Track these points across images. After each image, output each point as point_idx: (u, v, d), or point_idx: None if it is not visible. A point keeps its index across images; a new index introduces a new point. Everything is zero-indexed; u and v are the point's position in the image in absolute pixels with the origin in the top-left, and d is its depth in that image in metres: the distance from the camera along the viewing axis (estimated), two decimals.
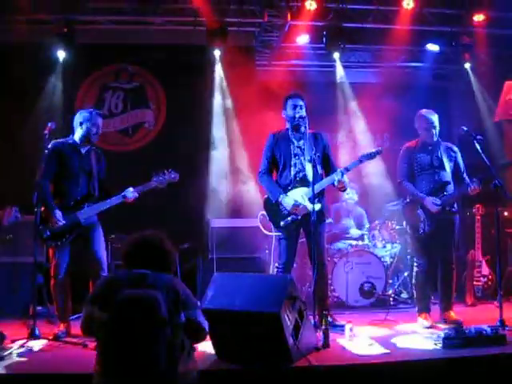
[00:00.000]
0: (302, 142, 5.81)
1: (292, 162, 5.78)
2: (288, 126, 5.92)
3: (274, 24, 8.52)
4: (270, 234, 6.72)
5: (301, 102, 5.80)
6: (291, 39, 8.71)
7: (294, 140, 5.84)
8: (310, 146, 5.66)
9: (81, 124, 5.74)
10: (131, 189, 5.76)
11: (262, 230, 7.11)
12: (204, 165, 8.43)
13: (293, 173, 5.77)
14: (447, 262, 6.04)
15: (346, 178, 5.66)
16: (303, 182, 5.72)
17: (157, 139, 8.81)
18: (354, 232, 8.02)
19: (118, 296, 3.35)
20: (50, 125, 5.58)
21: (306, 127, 5.65)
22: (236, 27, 8.37)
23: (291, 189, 5.74)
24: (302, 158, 5.78)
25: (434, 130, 6.02)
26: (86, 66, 8.62)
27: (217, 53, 8.54)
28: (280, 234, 5.82)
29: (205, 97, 8.67)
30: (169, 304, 3.38)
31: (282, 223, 5.71)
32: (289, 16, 8.08)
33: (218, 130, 8.77)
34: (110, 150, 8.18)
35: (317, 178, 5.55)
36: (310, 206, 5.52)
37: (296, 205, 5.63)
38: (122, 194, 5.74)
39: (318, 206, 5.48)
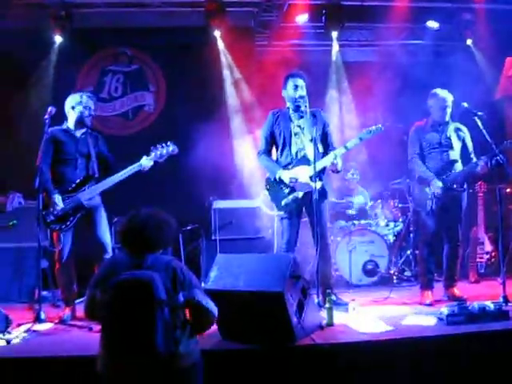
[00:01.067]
0: (302, 121, 5.78)
1: (292, 141, 5.76)
2: (288, 105, 5.89)
3: (273, 3, 8.46)
4: (272, 213, 6.70)
5: (302, 82, 5.76)
6: (290, 19, 8.65)
7: (294, 119, 5.82)
8: (309, 124, 5.64)
9: (73, 108, 5.76)
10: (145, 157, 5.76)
11: (264, 209, 7.11)
12: (206, 146, 8.39)
13: (293, 151, 5.76)
14: (453, 240, 6.08)
15: (339, 160, 5.65)
16: (304, 160, 5.70)
17: (157, 122, 8.81)
18: (357, 200, 8.01)
19: (116, 278, 3.36)
20: (50, 109, 5.58)
21: (306, 106, 5.63)
22: (234, 7, 8.33)
23: (292, 167, 5.73)
24: (302, 136, 5.75)
25: (447, 110, 6.02)
26: (85, 49, 8.60)
27: (217, 33, 8.48)
28: (282, 213, 5.82)
29: (204, 78, 8.62)
30: (167, 285, 3.38)
31: (283, 202, 5.73)
32: None
33: (218, 111, 8.72)
34: (110, 133, 8.19)
35: (318, 156, 5.51)
36: (311, 184, 5.50)
37: (293, 178, 5.65)
38: (138, 163, 5.74)
39: (319, 184, 5.46)
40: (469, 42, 8.98)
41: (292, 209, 5.73)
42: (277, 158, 5.90)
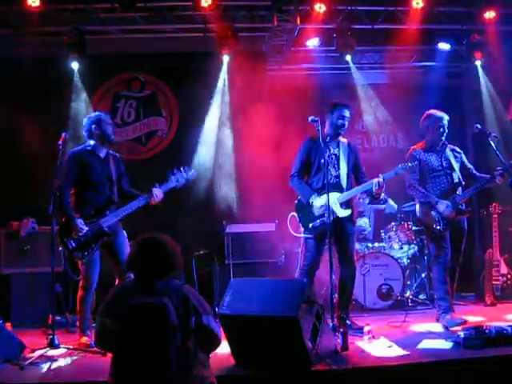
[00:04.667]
0: (337, 150, 5.97)
1: (327, 168, 5.79)
2: (328, 131, 6.02)
3: (284, 28, 8.49)
4: (299, 235, 6.67)
5: (348, 114, 5.98)
6: (302, 43, 8.68)
7: (330, 147, 5.98)
8: (344, 153, 5.90)
9: (95, 127, 5.69)
10: (157, 188, 5.67)
11: (291, 231, 7.08)
12: (218, 171, 8.43)
13: (327, 178, 5.75)
14: (456, 263, 6.07)
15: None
16: (336, 187, 5.85)
17: (170, 147, 8.83)
18: (361, 223, 8.02)
19: (126, 305, 3.35)
20: (64, 135, 5.64)
21: (343, 134, 5.99)
22: (246, 32, 8.38)
23: (324, 193, 5.73)
24: (336, 164, 5.93)
25: (444, 129, 6.01)
26: (98, 75, 8.66)
27: (225, 58, 8.52)
28: (309, 235, 5.93)
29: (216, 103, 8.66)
30: (178, 310, 3.36)
31: (310, 225, 5.85)
32: (298, 20, 8.04)
33: (231, 135, 8.73)
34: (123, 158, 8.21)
35: (349, 184, 5.86)
36: (340, 212, 5.78)
37: (323, 206, 5.73)
38: (147, 195, 5.66)
39: (348, 212, 5.73)
40: (477, 63, 8.97)
41: (319, 232, 5.81)
42: (309, 182, 6.01)
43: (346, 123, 5.95)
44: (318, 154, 5.89)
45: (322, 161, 5.79)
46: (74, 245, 5.42)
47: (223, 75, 8.75)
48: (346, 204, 5.78)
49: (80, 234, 5.38)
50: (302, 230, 6.01)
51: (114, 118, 8.75)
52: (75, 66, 8.18)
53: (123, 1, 7.38)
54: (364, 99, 9.40)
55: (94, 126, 5.70)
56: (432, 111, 6.15)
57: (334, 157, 5.94)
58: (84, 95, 8.42)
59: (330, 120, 5.98)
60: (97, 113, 5.89)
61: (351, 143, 6.05)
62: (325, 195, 5.66)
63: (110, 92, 8.86)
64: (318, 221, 5.79)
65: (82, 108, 8.37)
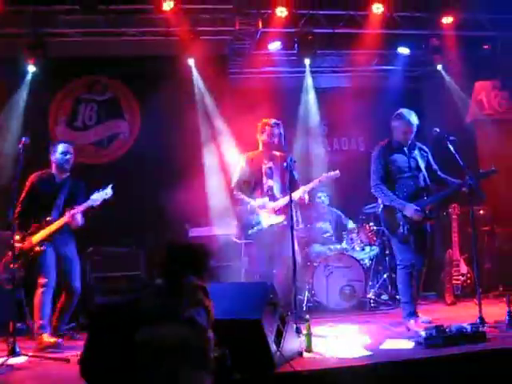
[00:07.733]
0: (271, 163, 6.55)
1: (263, 181, 6.52)
2: (261, 147, 6.62)
3: (246, 32, 8.52)
4: (240, 241, 6.93)
5: (277, 131, 6.44)
6: (263, 46, 8.72)
7: (265, 161, 6.58)
8: (278, 166, 6.38)
9: (52, 156, 6.14)
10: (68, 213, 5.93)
11: (234, 239, 7.22)
12: (181, 174, 8.37)
13: (265, 189, 6.51)
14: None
15: (306, 196, 6.40)
16: (272, 197, 6.46)
17: (132, 150, 8.74)
18: (323, 226, 8.13)
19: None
20: (23, 139, 5.71)
21: (276, 149, 6.47)
22: (208, 36, 8.37)
23: (259, 200, 6.46)
24: (271, 177, 6.52)
25: (411, 135, 5.97)
26: (58, 79, 8.55)
27: (191, 61, 8.52)
28: (251, 241, 6.60)
29: (179, 106, 8.60)
30: None
31: (249, 231, 6.46)
32: (260, 23, 8.11)
33: (192, 139, 8.66)
34: (85, 162, 8.11)
35: (283, 193, 6.36)
36: (277, 218, 6.35)
37: (262, 206, 6.41)
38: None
39: (281, 218, 6.31)
40: (439, 67, 9.13)
41: (257, 238, 6.43)
42: (250, 194, 6.53)
43: (276, 139, 6.45)
44: (254, 168, 6.55)
45: (256, 174, 6.53)
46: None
47: (195, 79, 8.75)
48: (279, 211, 6.36)
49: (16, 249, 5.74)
50: (243, 237, 6.79)
51: (75, 121, 8.69)
52: (31, 69, 8.04)
53: (84, 3, 7.31)
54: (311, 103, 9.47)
55: (52, 155, 6.16)
56: (403, 112, 6.02)
57: (269, 170, 6.54)
58: (35, 99, 8.30)
59: (261, 138, 6.56)
60: (59, 145, 6.22)
61: (288, 157, 6.05)
62: (259, 200, 6.43)
63: (71, 95, 8.75)
64: (255, 228, 6.40)
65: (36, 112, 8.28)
